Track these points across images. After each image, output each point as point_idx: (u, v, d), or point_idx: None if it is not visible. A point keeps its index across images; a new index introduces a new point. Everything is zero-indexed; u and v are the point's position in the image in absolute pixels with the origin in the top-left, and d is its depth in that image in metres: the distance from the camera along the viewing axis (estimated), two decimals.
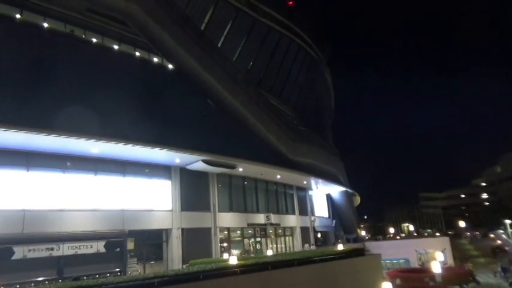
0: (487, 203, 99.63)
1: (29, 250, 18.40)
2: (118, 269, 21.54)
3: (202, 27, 31.35)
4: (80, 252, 20.07)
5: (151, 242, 25.07)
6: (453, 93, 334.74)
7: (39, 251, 18.74)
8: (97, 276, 20.05)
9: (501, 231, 54.91)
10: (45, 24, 21.30)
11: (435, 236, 56.32)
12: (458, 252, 45.35)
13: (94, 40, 23.72)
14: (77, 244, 20.06)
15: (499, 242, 53.37)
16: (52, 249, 19.10)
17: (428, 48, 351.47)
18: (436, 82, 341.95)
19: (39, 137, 17.55)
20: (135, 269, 22.86)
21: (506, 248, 47.00)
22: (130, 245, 22.74)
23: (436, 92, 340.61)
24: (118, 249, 21.95)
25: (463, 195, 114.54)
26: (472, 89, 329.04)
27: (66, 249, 19.56)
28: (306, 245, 38.62)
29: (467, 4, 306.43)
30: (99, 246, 20.96)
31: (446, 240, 40.71)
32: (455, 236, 60.31)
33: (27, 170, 19.48)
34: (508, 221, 48.30)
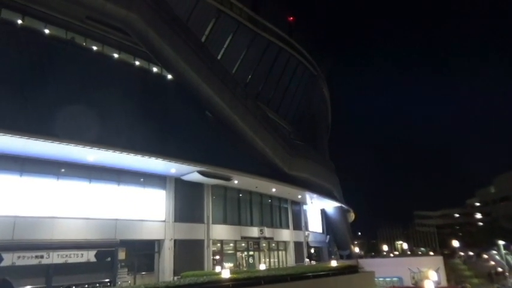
0: (481, 223, 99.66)
1: (18, 257, 18.10)
2: (108, 279, 21.21)
3: (203, 39, 31.62)
4: (70, 261, 19.75)
5: (143, 252, 24.74)
6: (449, 114, 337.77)
7: (29, 259, 18.42)
8: (86, 286, 19.77)
9: (495, 252, 54.82)
10: (46, 31, 21.39)
11: (429, 255, 56.15)
12: (452, 272, 45.18)
13: (94, 48, 23.83)
14: (67, 252, 19.75)
15: (492, 263, 53.24)
16: (42, 257, 18.80)
17: (426, 59, 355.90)
18: (434, 96, 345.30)
19: (34, 143, 17.42)
20: (126, 280, 22.49)
21: (501, 269, 46.80)
22: (121, 255, 22.42)
23: (433, 109, 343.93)
24: (109, 258, 21.64)
25: (457, 215, 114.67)
26: (468, 110, 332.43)
27: (56, 258, 19.25)
28: (307, 260, 38.39)
29: (470, 4, 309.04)
30: (89, 255, 20.66)
31: (440, 260, 40.61)
32: (449, 256, 60.11)
33: (21, 175, 19.29)
34: (501, 242, 48.25)
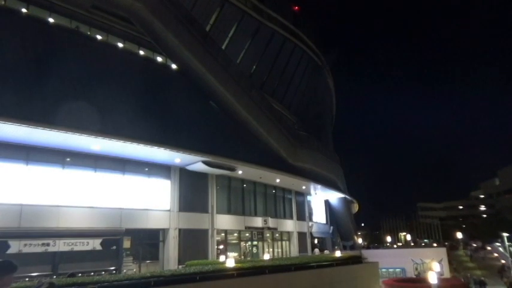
0: (485, 216, 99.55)
1: (25, 245, 18.31)
2: (113, 267, 21.42)
3: (207, 29, 31.41)
4: (75, 249, 19.96)
5: (148, 241, 24.95)
6: (454, 105, 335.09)
7: (35, 246, 18.64)
8: (92, 273, 19.96)
9: (498, 244, 54.73)
10: (51, 20, 21.30)
11: (432, 247, 56.21)
12: (459, 265, 45.24)
13: (99, 37, 23.73)
14: (73, 241, 19.95)
15: (495, 254, 53.22)
16: (48, 244, 19.00)
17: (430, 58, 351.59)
18: (438, 91, 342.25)
19: (40, 132, 17.45)
20: (131, 268, 22.72)
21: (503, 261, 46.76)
22: (126, 244, 22.62)
23: (437, 102, 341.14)
24: (114, 247, 21.84)
25: (461, 207, 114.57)
26: (474, 101, 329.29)
27: (62, 245, 19.45)
28: (316, 250, 38.61)
29: (472, 6, 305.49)
30: (95, 244, 20.86)
31: (443, 251, 40.53)
32: (453, 247, 60.16)
33: (27, 164, 19.39)
34: (505, 234, 48.10)
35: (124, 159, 23.33)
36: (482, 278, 34.10)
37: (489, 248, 58.20)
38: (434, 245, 62.84)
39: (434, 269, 21.09)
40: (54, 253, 19.27)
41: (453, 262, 44.53)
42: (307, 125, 44.53)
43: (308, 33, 47.61)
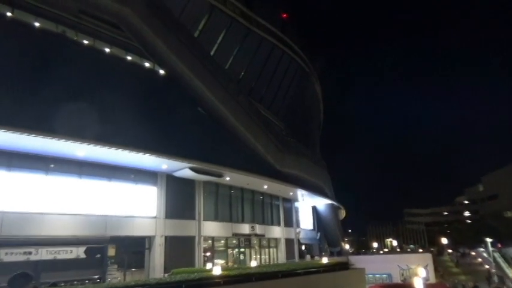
0: (469, 221, 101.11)
1: (6, 253, 17.85)
2: (97, 276, 21.04)
3: (196, 35, 31.41)
4: (59, 257, 19.54)
5: (133, 249, 24.53)
6: (440, 113, 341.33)
7: (17, 255, 18.19)
8: (75, 282, 19.57)
9: (482, 249, 55.59)
10: (37, 24, 21.01)
11: (418, 252, 56.79)
12: (445, 271, 45.74)
13: (85, 42, 23.49)
14: (56, 249, 19.54)
15: (479, 259, 54.03)
16: (30, 253, 18.56)
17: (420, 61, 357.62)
18: (425, 99, 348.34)
19: (22, 138, 17.12)
20: (115, 276, 22.32)
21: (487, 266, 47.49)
22: (111, 252, 22.25)
23: (424, 110, 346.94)
24: (98, 255, 21.47)
25: (446, 212, 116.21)
26: (459, 109, 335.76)
27: (44, 254, 19.02)
28: (308, 257, 38.62)
29: (467, 5, 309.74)
30: (79, 252, 20.47)
31: (428, 257, 41.02)
32: (438, 253, 60.84)
33: (9, 171, 18.98)
34: (489, 240, 48.91)
35: (110, 165, 23.00)
36: (476, 284, 34.54)
37: (473, 253, 59.03)
38: (420, 250, 63.45)
39: (420, 275, 21.28)
40: (37, 262, 18.81)
41: (439, 268, 45.02)
42: (295, 131, 44.70)
43: (296, 40, 48.00)
